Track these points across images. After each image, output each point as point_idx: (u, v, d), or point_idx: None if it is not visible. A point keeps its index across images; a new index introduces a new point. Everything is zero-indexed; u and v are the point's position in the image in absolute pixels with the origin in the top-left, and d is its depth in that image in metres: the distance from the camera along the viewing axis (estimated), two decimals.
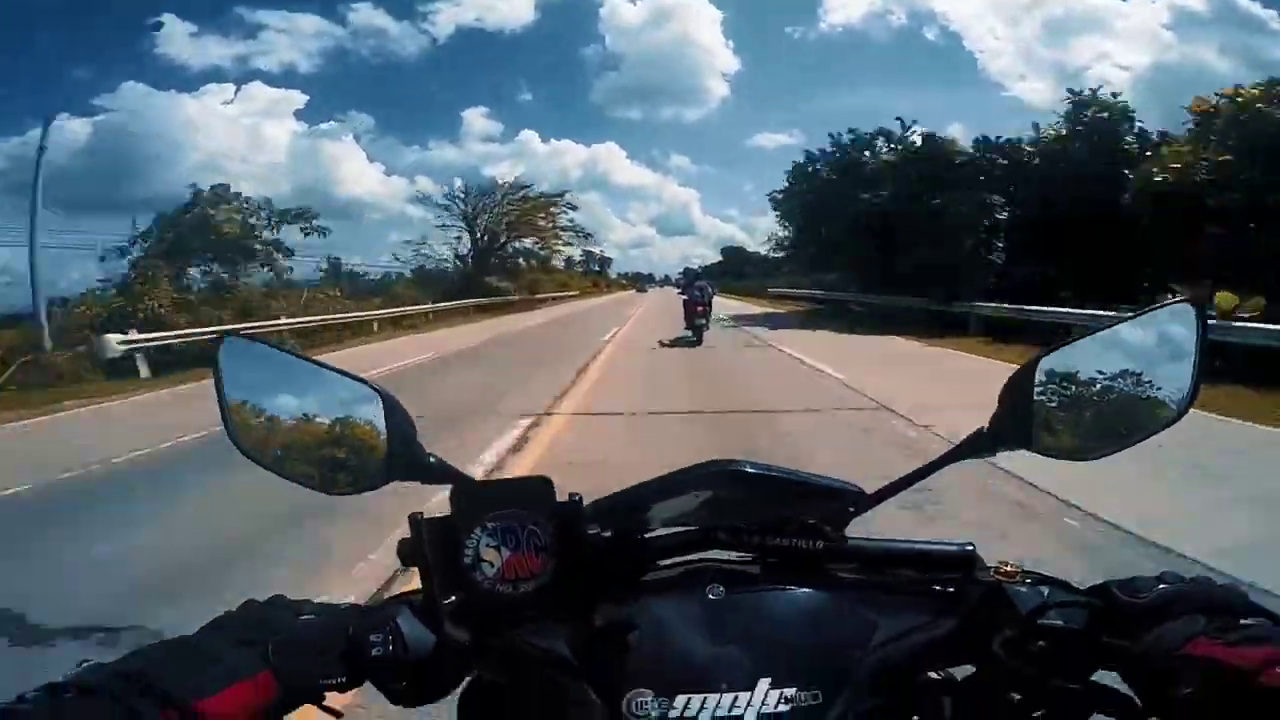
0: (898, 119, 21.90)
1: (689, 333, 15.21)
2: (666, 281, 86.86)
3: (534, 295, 40.67)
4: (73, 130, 41.72)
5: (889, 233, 19.33)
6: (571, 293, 52.37)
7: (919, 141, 20.88)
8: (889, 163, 21.23)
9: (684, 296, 16.17)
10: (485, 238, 40.22)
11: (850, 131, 23.23)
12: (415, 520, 0.58)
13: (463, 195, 40.03)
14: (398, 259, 37.29)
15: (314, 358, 0.67)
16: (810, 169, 25.26)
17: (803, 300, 33.90)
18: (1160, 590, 0.54)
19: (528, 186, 41.97)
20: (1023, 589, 0.58)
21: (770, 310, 30.52)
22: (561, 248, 46.26)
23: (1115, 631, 0.53)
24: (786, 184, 27.52)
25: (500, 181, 40.87)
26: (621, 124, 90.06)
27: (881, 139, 22.56)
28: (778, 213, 31.28)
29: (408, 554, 0.59)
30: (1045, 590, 0.58)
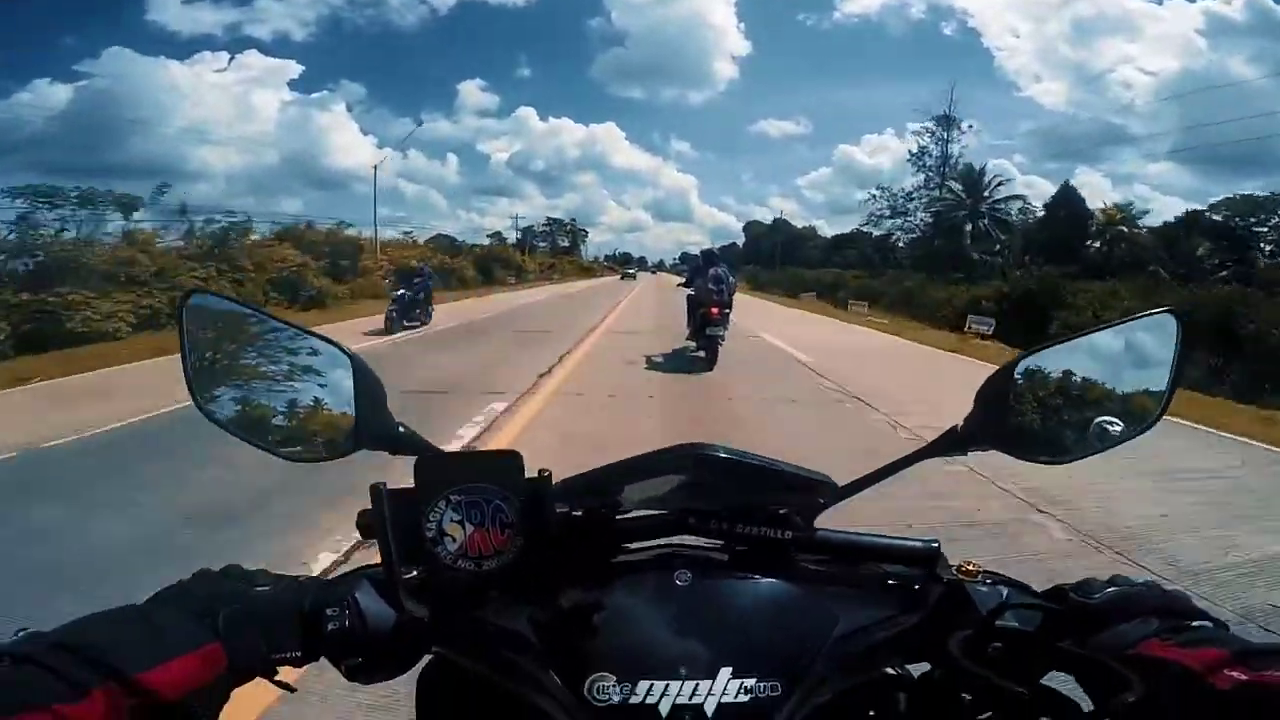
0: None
1: (692, 345, 9.89)
2: (661, 267, 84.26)
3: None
4: (54, 94, 40.97)
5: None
6: (515, 285, 39.46)
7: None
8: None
9: (689, 291, 10.15)
10: None
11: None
12: (377, 490, 0.56)
13: None
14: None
15: (283, 317, 0.65)
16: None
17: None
18: (1110, 593, 0.55)
19: None
20: (983, 588, 0.59)
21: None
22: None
23: (1069, 635, 0.54)
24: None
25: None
26: (623, 103, 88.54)
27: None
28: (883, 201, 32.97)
29: (367, 525, 0.57)
30: (1004, 591, 0.59)
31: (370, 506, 0.56)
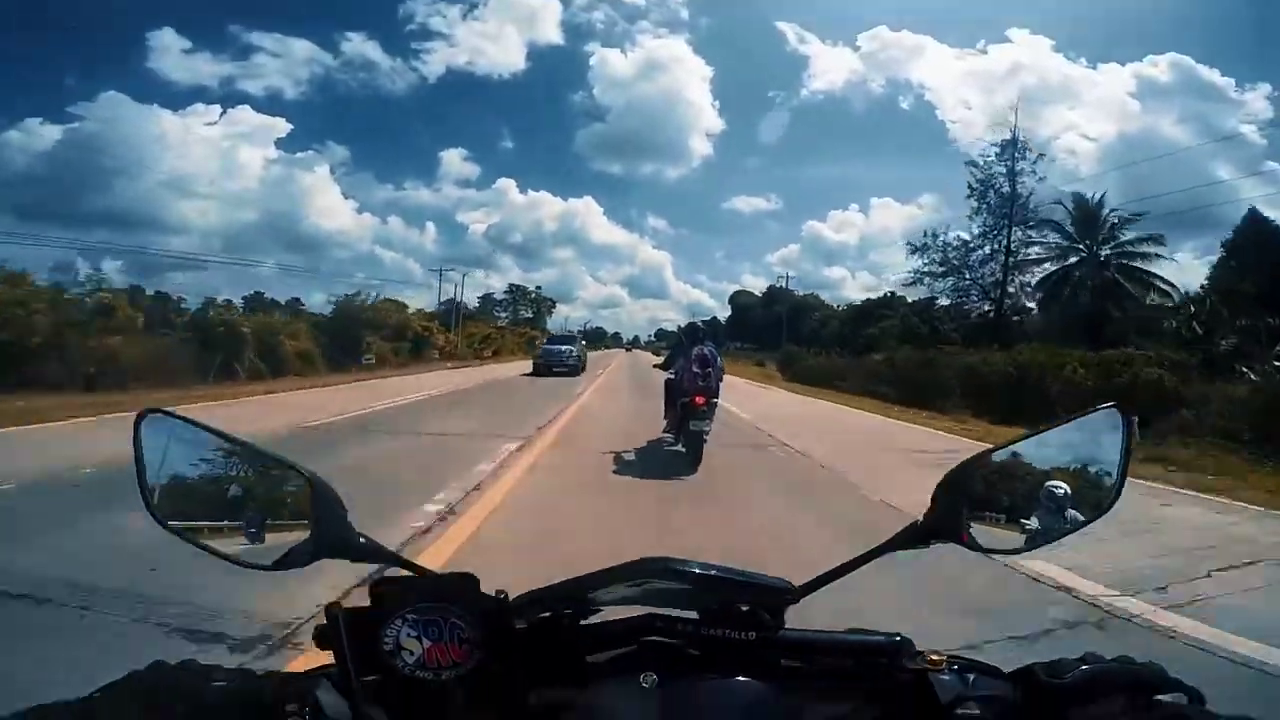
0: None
1: (670, 438, 7.74)
2: (636, 344, 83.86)
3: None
4: (44, 134, 40.19)
5: None
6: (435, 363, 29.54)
7: None
8: None
9: (669, 374, 8.06)
10: None
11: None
12: (331, 612, 0.56)
13: None
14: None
15: (239, 438, 0.65)
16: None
17: None
18: (1081, 671, 0.55)
19: None
20: (946, 677, 0.59)
21: None
22: None
23: (1037, 713, 0.54)
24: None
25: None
26: (602, 178, 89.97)
27: None
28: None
29: (322, 639, 0.57)
30: (971, 677, 0.59)
31: (325, 623, 0.57)
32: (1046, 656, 0.60)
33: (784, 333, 45.89)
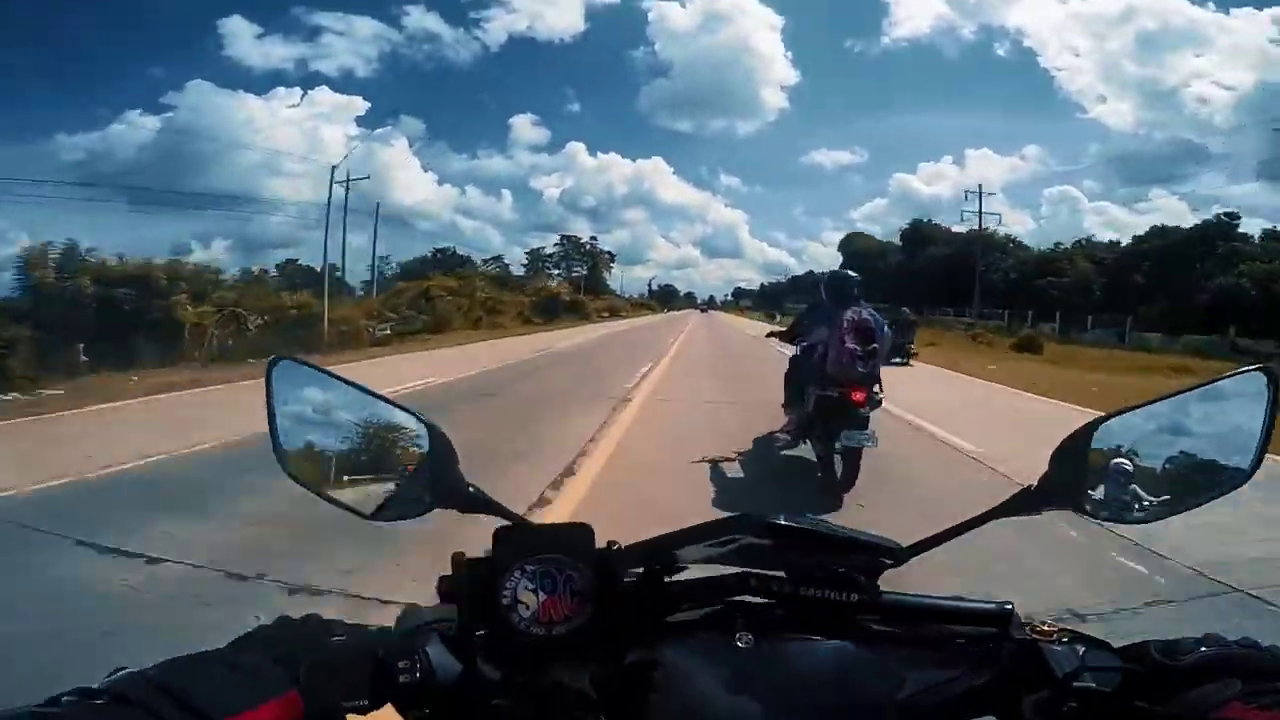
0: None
1: (785, 438, 5.29)
2: (712, 304, 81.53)
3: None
4: (142, 125, 43.57)
5: None
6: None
7: None
8: None
9: (795, 348, 5.77)
10: None
11: None
12: (458, 560, 0.59)
13: None
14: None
15: (364, 386, 0.67)
16: None
17: None
18: (1201, 654, 0.53)
19: None
20: (1058, 648, 0.57)
21: None
22: None
23: (1149, 695, 0.52)
24: None
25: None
26: (670, 137, 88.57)
27: None
28: None
29: (447, 590, 0.60)
30: (1081, 650, 0.57)
31: (450, 573, 0.59)
32: (1152, 632, 0.58)
33: (976, 289, 30.99)
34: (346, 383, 0.67)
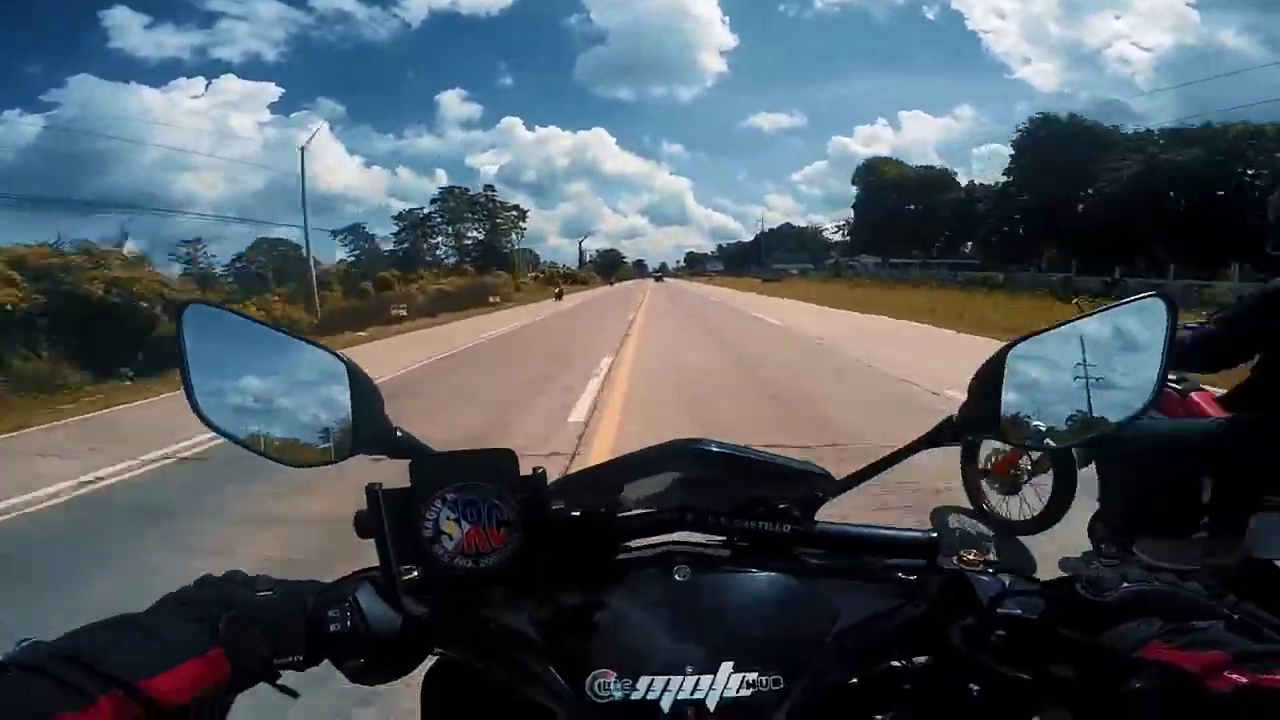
0: None
1: (972, 527, 3.14)
2: (665, 271, 78.86)
3: None
4: (23, 125, 40.16)
5: None
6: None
7: None
8: None
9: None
10: None
11: None
12: (372, 491, 0.57)
13: None
14: None
15: (278, 327, 0.65)
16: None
17: None
18: (1124, 589, 0.54)
19: None
20: (984, 578, 0.59)
21: None
22: None
23: (1072, 624, 0.54)
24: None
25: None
26: (611, 105, 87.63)
27: None
28: None
29: (365, 525, 0.57)
30: (1006, 579, 0.59)
31: (366, 508, 0.57)
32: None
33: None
34: (260, 324, 0.65)
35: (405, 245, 42.33)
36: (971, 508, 3.62)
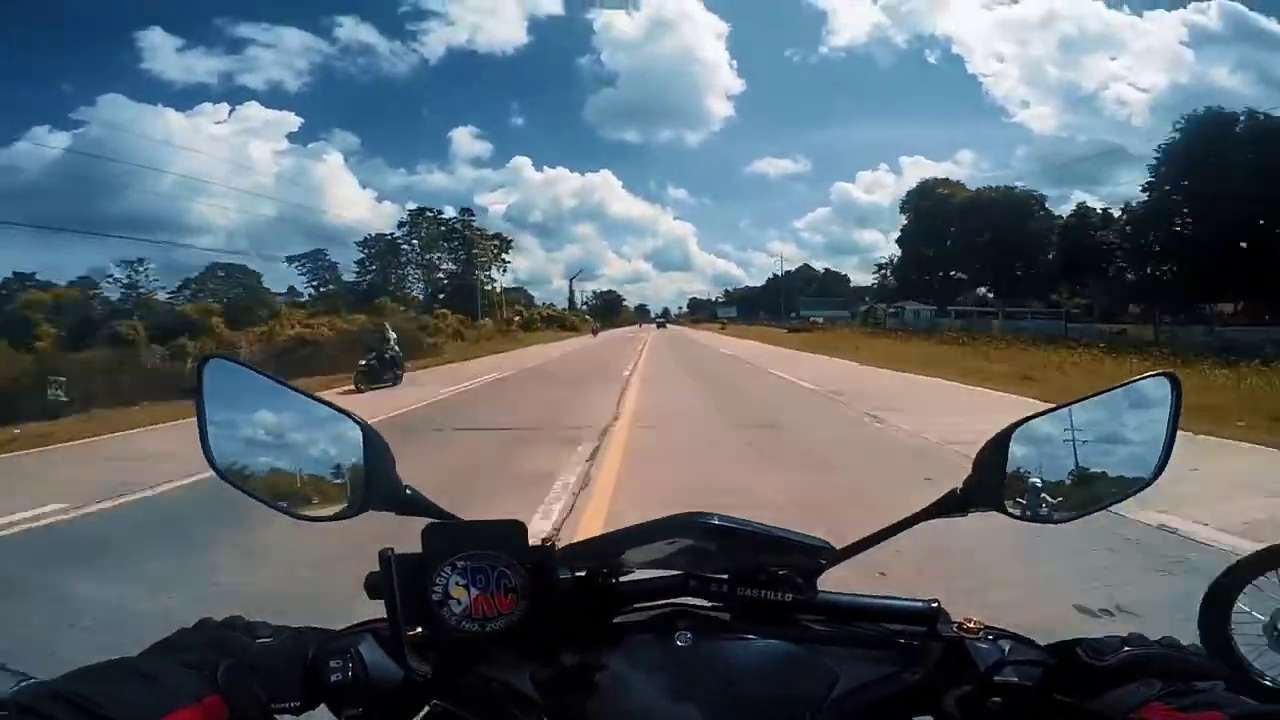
0: None
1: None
2: (667, 316, 78.53)
3: None
4: (50, 143, 39.88)
5: None
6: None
7: None
8: None
9: None
10: None
11: None
12: (385, 556, 0.58)
13: None
14: None
15: (296, 385, 0.67)
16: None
17: None
18: (1124, 654, 0.54)
19: None
20: (983, 645, 0.59)
21: None
22: None
23: (1071, 691, 0.54)
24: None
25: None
26: (617, 148, 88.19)
27: None
28: None
29: (375, 587, 0.58)
30: (1006, 646, 0.59)
31: (379, 569, 0.58)
32: (1080, 632, 0.59)
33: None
34: (279, 382, 0.66)
35: (370, 275, 37.95)
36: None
